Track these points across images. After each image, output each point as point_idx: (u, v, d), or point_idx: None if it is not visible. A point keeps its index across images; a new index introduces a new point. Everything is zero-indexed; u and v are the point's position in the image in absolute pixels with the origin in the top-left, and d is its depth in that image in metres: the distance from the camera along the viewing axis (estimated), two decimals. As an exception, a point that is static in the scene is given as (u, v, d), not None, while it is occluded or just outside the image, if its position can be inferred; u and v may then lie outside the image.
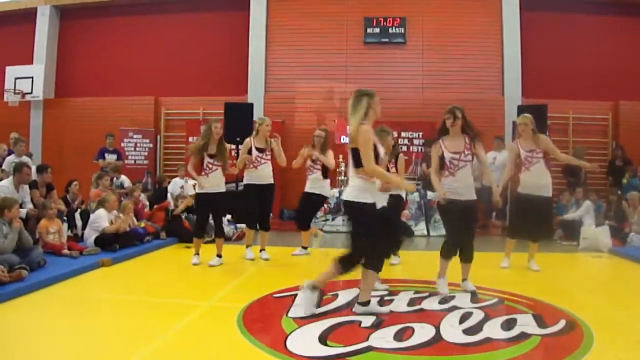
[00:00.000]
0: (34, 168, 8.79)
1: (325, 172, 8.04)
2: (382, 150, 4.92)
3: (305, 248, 8.19)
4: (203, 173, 7.12)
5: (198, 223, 7.46)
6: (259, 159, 7.56)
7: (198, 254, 7.33)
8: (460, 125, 5.70)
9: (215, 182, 7.17)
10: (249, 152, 7.57)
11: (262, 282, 6.18)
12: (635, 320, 4.75)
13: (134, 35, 14.79)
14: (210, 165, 7.14)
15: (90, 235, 7.93)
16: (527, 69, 13.34)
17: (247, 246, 7.83)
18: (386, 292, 5.57)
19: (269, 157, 7.66)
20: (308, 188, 8.09)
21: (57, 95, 14.93)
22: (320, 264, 6.61)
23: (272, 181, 7.75)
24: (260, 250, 7.81)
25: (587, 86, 13.29)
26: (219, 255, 7.27)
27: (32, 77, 14.29)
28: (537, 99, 12.32)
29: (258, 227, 7.83)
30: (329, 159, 7.94)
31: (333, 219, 11.64)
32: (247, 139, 7.72)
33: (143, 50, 14.65)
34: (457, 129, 5.71)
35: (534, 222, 6.99)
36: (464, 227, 5.75)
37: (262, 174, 7.61)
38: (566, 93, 13.14)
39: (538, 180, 6.90)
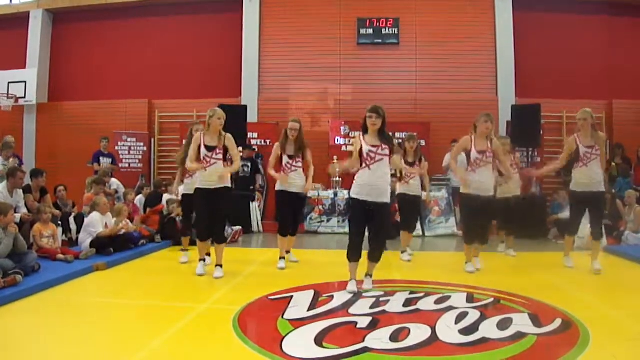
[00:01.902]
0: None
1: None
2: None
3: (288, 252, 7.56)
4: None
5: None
6: (207, 158, 6.42)
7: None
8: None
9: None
10: (198, 150, 6.50)
11: (257, 284, 6.16)
12: (631, 319, 4.75)
13: (127, 38, 14.77)
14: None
15: (84, 240, 7.90)
16: (521, 69, 13.38)
17: (200, 260, 6.82)
18: (382, 293, 5.57)
19: (220, 156, 6.46)
20: (286, 187, 7.25)
21: (50, 100, 14.89)
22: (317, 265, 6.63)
23: (224, 184, 6.54)
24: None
25: (581, 85, 13.34)
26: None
27: (25, 82, 14.26)
28: (531, 99, 12.35)
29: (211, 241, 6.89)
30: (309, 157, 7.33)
31: (328, 220, 11.63)
32: (197, 134, 6.62)
33: (136, 53, 14.64)
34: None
35: (594, 219, 6.93)
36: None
37: (211, 176, 6.46)
38: (560, 92, 13.19)
39: (595, 177, 6.76)
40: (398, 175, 7.83)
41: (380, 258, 5.79)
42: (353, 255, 5.69)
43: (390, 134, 5.84)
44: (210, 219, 6.59)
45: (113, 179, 11.47)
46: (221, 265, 6.59)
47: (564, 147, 7.26)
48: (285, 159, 7.23)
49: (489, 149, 6.63)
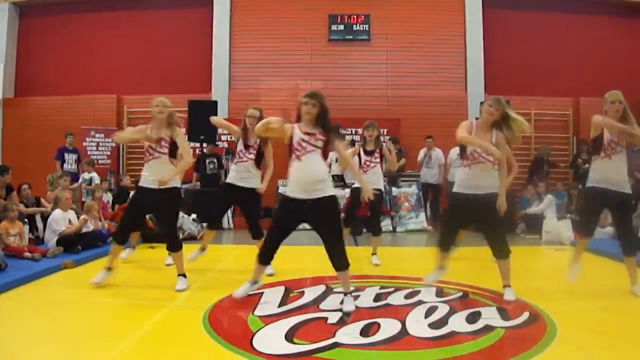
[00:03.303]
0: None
1: (260, 161, 6.51)
2: None
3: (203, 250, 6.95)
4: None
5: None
6: (151, 150, 5.68)
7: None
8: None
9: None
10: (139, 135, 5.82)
11: (227, 280, 6.13)
12: (597, 311, 4.85)
13: (96, 32, 14.55)
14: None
15: (50, 238, 7.79)
16: (490, 65, 13.54)
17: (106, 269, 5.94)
18: (353, 289, 5.57)
19: (165, 150, 5.64)
20: (233, 180, 6.52)
21: (17, 94, 14.61)
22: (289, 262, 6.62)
23: (171, 184, 5.63)
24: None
25: (549, 82, 13.55)
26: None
27: (-9, 76, 13.99)
28: (500, 95, 12.45)
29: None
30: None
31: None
32: (143, 125, 5.86)
33: (105, 48, 14.43)
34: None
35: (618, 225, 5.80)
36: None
37: (154, 172, 5.66)
38: (528, 89, 13.38)
39: (619, 174, 5.58)
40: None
41: (346, 264, 4.92)
42: (264, 258, 5.11)
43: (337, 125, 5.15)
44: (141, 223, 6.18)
45: (94, 173, 11.35)
46: (184, 275, 5.81)
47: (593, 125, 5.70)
48: (239, 146, 6.49)
49: (492, 140, 5.27)
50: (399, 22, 13.77)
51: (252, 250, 6.91)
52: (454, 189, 5.48)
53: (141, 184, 5.76)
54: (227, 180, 6.63)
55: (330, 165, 5.26)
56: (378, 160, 7.30)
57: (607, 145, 5.53)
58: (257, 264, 5.14)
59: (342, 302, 4.92)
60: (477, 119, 5.70)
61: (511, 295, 5.18)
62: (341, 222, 5.29)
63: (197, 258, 6.71)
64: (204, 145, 12.05)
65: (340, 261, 4.89)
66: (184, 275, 5.80)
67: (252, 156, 6.41)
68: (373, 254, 7.36)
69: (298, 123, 4.89)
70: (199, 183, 12.13)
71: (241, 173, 6.43)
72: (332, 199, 4.89)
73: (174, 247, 5.83)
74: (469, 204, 5.27)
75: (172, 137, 5.66)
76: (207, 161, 12.04)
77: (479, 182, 5.24)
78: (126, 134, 6.12)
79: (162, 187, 5.52)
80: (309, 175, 4.79)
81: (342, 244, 4.91)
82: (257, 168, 6.48)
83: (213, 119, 6.80)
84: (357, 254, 7.16)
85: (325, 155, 4.88)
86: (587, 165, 11.96)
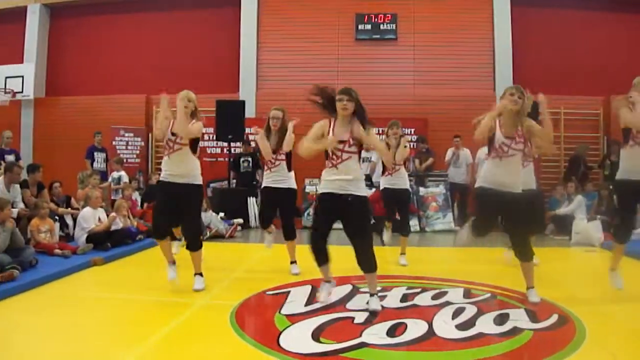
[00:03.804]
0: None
1: (290, 162, 6.51)
2: None
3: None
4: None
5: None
6: (170, 143, 5.55)
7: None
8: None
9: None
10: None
11: (254, 279, 6.17)
12: (627, 314, 4.77)
13: (125, 33, 14.71)
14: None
15: (80, 235, 7.89)
16: (518, 64, 13.37)
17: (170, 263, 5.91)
18: (379, 288, 5.55)
19: (186, 142, 5.52)
20: (269, 183, 6.55)
21: (47, 94, 14.86)
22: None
23: (191, 180, 5.54)
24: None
25: (579, 81, 13.33)
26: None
27: (23, 76, 14.21)
28: (529, 94, 12.31)
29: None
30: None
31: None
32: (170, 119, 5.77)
33: (134, 48, 14.59)
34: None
35: None
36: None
37: (174, 167, 5.54)
38: (557, 88, 13.15)
39: None
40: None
41: (373, 266, 4.86)
42: (316, 258, 5.01)
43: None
44: (172, 219, 5.82)
45: (123, 172, 11.50)
46: (201, 274, 5.71)
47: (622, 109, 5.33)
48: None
49: (520, 133, 5.00)
50: (426, 20, 13.68)
51: (279, 249, 6.95)
52: (478, 183, 5.25)
53: (162, 178, 5.66)
54: (264, 184, 6.62)
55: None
56: (402, 163, 7.28)
57: (637, 133, 5.18)
58: (318, 267, 5.08)
59: (367, 302, 4.89)
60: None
61: (535, 297, 5.09)
62: (370, 224, 5.24)
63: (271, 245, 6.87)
64: (231, 144, 12.11)
65: (368, 263, 4.84)
66: (201, 275, 5.70)
67: (283, 157, 6.40)
68: (402, 253, 7.32)
69: (334, 121, 4.83)
70: (234, 181, 12.25)
71: (275, 178, 6.45)
72: (365, 200, 4.87)
73: (195, 245, 5.69)
74: (494, 198, 5.03)
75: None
76: (242, 160, 12.15)
77: (505, 179, 5.00)
78: (160, 122, 5.71)
79: (186, 181, 5.46)
80: (344, 177, 4.75)
81: (370, 246, 4.85)
82: (289, 169, 6.47)
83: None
84: (384, 255, 7.13)
85: (359, 159, 4.88)
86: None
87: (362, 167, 5.64)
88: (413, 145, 12.46)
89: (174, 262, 5.76)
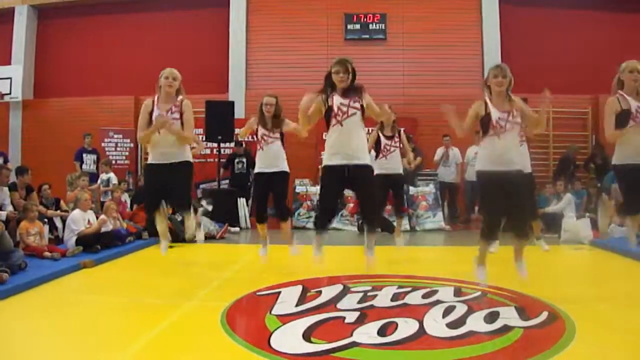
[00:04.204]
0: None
1: (283, 140, 6.69)
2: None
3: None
4: None
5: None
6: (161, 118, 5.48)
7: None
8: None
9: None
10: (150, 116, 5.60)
11: (245, 280, 6.16)
12: (616, 312, 4.79)
13: (113, 34, 14.69)
14: None
15: (70, 238, 7.85)
16: (507, 63, 13.28)
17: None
18: (370, 288, 5.57)
19: (177, 115, 5.55)
20: (263, 167, 6.59)
21: (36, 96, 14.80)
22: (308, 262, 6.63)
23: (183, 158, 5.57)
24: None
25: (567, 80, 13.39)
26: None
27: (11, 78, 14.19)
28: (518, 94, 12.22)
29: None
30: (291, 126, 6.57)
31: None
32: (147, 100, 5.79)
33: (122, 49, 14.57)
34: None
35: None
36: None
37: (164, 143, 5.48)
38: (546, 87, 13.23)
39: None
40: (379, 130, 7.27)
41: (376, 225, 5.31)
42: (321, 223, 5.42)
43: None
44: (163, 197, 5.67)
45: (112, 173, 11.45)
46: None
47: (607, 111, 5.64)
48: (260, 131, 6.56)
49: (513, 109, 5.16)
50: (415, 21, 13.73)
51: (270, 248, 6.96)
52: (478, 167, 5.13)
53: (150, 161, 5.60)
54: (257, 170, 6.64)
55: None
56: (397, 144, 7.33)
57: (636, 114, 5.27)
58: (317, 235, 5.38)
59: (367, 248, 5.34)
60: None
61: (524, 270, 5.17)
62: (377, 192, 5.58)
63: (266, 256, 6.88)
64: (221, 145, 12.11)
65: (372, 224, 5.24)
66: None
67: (277, 135, 6.54)
68: (397, 237, 7.40)
69: (332, 92, 5.05)
70: (227, 182, 12.26)
71: (270, 157, 6.50)
72: (370, 168, 5.16)
73: (187, 206, 5.75)
74: (499, 181, 4.91)
75: (182, 106, 5.57)
76: (236, 160, 12.17)
77: (506, 154, 4.95)
78: (143, 127, 5.58)
79: (177, 160, 5.44)
80: (352, 140, 4.95)
81: (377, 212, 5.24)
82: (283, 147, 6.60)
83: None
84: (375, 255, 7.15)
85: (364, 120, 5.05)
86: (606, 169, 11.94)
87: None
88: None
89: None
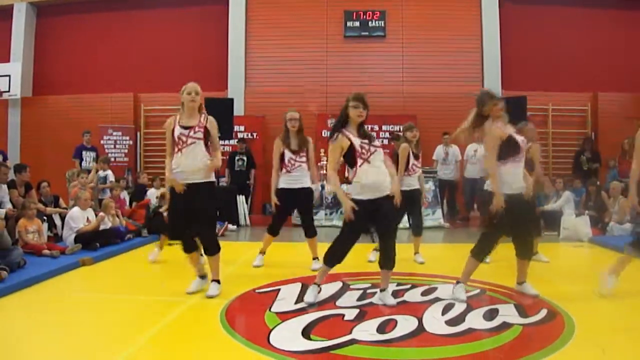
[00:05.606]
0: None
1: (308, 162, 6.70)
2: None
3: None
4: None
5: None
6: (183, 137, 5.17)
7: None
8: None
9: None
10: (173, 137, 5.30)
11: (244, 277, 6.16)
12: (615, 310, 4.80)
13: (112, 31, 14.64)
14: None
15: (68, 235, 7.85)
16: (507, 61, 13.44)
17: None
18: (369, 285, 5.57)
19: (200, 135, 5.15)
20: (290, 184, 6.57)
21: (34, 93, 14.75)
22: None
23: (205, 178, 5.24)
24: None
25: (566, 78, 13.43)
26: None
27: (10, 75, 14.14)
28: (517, 91, 12.39)
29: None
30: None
31: (316, 213, 11.60)
32: (169, 119, 5.49)
33: (121, 46, 14.51)
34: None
35: None
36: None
37: (188, 161, 5.17)
38: (545, 85, 13.27)
39: None
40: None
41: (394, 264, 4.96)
42: (336, 260, 4.99)
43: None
44: (189, 222, 5.22)
45: (109, 171, 11.43)
46: (218, 281, 5.36)
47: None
48: (287, 154, 6.50)
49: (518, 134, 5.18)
50: (415, 18, 13.70)
51: (271, 248, 6.96)
52: (508, 191, 4.96)
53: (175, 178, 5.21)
54: (281, 186, 6.58)
55: None
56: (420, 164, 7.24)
57: None
58: (324, 266, 5.05)
59: (380, 299, 4.95)
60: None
61: (534, 290, 5.16)
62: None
63: (262, 263, 6.86)
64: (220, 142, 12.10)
65: (393, 260, 4.91)
66: (218, 282, 5.36)
67: (304, 159, 6.56)
68: (415, 252, 7.34)
69: (346, 129, 4.82)
70: (226, 179, 12.25)
71: (295, 177, 6.51)
72: (392, 197, 4.84)
73: (213, 249, 5.33)
74: (520, 202, 5.01)
75: (207, 124, 5.21)
76: (237, 158, 12.16)
77: (521, 180, 5.09)
78: (169, 152, 5.34)
79: (200, 180, 5.13)
80: (383, 174, 4.79)
81: (394, 242, 4.94)
82: (308, 169, 6.63)
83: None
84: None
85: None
86: (595, 164, 11.99)
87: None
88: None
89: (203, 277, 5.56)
